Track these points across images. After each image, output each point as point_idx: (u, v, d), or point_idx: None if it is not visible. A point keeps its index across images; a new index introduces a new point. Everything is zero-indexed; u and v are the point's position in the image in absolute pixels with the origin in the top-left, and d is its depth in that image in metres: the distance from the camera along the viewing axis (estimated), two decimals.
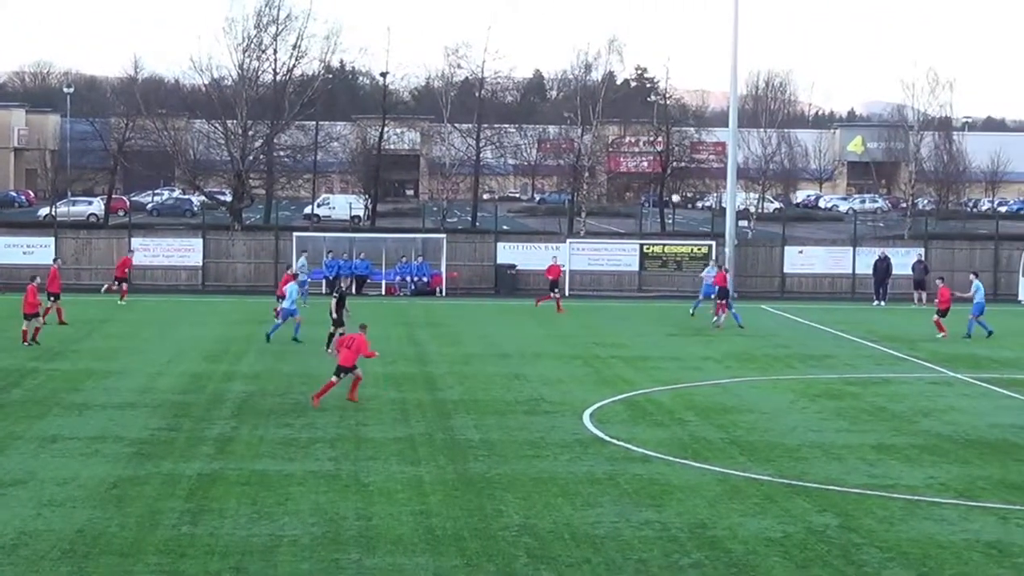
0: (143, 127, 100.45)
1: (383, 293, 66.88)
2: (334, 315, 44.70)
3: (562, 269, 63.98)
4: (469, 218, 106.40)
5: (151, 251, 70.58)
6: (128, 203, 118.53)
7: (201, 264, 70.26)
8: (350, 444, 30.58)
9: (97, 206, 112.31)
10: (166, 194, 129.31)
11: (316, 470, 27.88)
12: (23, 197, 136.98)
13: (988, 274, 72.13)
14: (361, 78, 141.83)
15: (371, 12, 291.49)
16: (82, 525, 23.39)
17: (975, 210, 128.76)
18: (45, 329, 47.30)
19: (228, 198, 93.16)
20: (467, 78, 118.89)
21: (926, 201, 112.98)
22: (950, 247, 74.97)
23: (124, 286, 60.51)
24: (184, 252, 70.83)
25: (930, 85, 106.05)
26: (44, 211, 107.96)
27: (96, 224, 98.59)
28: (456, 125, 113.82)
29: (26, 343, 45.66)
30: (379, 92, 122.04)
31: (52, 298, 52.05)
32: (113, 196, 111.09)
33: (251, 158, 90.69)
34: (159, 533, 22.98)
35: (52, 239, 69.32)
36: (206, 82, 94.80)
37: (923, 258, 70.58)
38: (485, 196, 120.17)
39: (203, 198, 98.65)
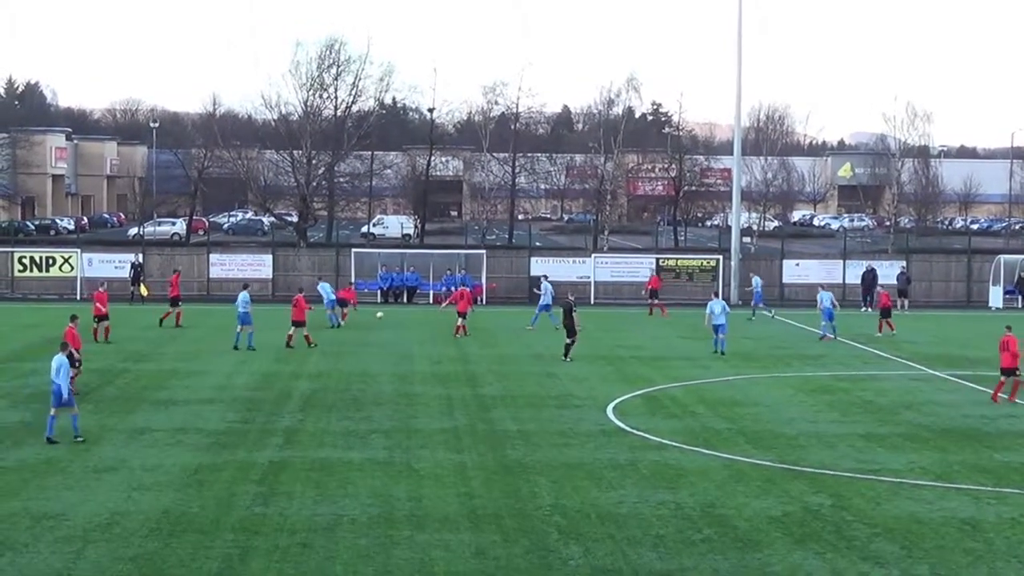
0: (220, 157, 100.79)
1: (431, 302, 66.86)
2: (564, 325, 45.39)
3: (660, 280, 65.53)
4: (506, 236, 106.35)
5: (227, 265, 70.83)
6: (207, 223, 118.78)
7: (271, 276, 70.41)
8: (402, 435, 30.61)
9: (180, 226, 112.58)
10: (240, 215, 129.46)
11: (372, 457, 27.91)
12: (115, 219, 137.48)
13: (962, 283, 71.96)
14: (411, 113, 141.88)
15: (420, 54, 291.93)
16: (167, 506, 23.49)
17: (950, 227, 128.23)
18: (165, 332, 47.49)
19: (294, 219, 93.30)
20: (503, 113, 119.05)
21: (907, 220, 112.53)
22: (928, 260, 74.78)
23: (179, 309, 54.10)
24: (256, 266, 70.97)
25: (909, 117, 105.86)
26: (133, 231, 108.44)
27: (179, 242, 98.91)
28: (494, 154, 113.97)
29: (96, 341, 46.29)
30: (427, 125, 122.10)
31: (172, 303, 54.05)
32: (193, 217, 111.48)
33: (314, 184, 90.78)
34: (235, 513, 23.06)
35: (140, 256, 69.46)
36: (275, 117, 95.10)
37: (905, 269, 70.35)
38: (520, 216, 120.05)
39: (273, 219, 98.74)
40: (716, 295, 51.18)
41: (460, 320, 51.99)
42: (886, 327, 54.24)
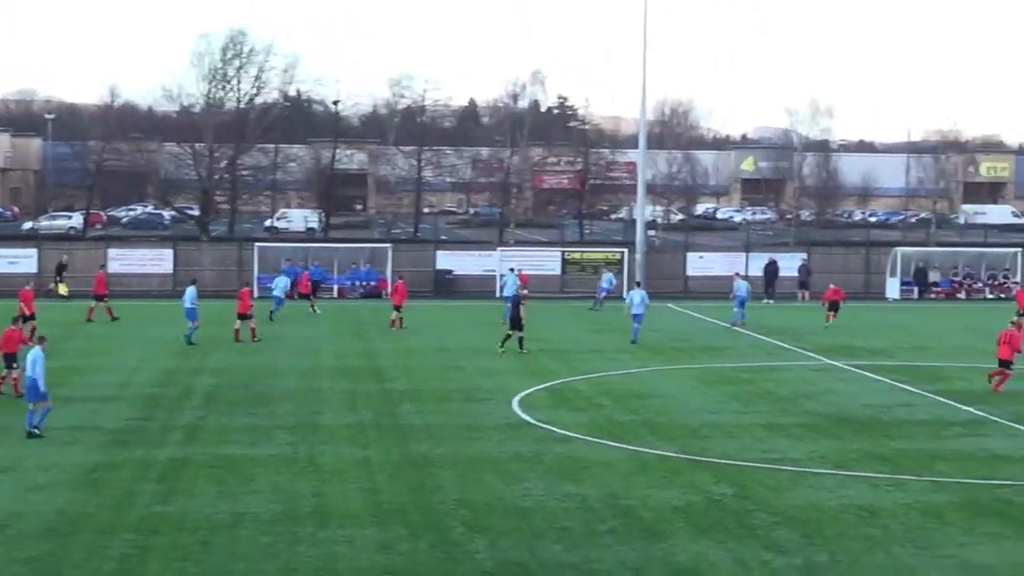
0: (118, 149, 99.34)
1: (335, 296, 66.57)
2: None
3: None
4: (412, 229, 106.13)
5: (126, 260, 69.94)
6: (105, 217, 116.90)
7: (172, 271, 69.65)
8: (306, 430, 30.45)
9: (76, 220, 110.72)
10: (139, 209, 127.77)
11: (276, 454, 27.74)
12: (8, 212, 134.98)
13: (861, 275, 72.83)
14: (315, 106, 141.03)
15: (325, 46, 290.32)
16: (63, 506, 23.16)
17: (849, 220, 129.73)
18: (67, 329, 46.78)
19: (196, 213, 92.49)
20: (409, 106, 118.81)
21: (808, 213, 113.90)
22: (828, 253, 75.71)
23: (106, 304, 53.70)
24: (156, 261, 70.19)
25: (811, 112, 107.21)
26: (28, 225, 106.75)
27: (75, 236, 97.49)
28: (400, 148, 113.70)
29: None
30: (331, 118, 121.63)
31: (97, 299, 53.46)
32: (91, 211, 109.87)
33: (216, 177, 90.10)
34: (133, 512, 22.80)
35: (35, 250, 68.49)
36: (176, 109, 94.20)
37: (806, 262, 71.08)
38: (426, 210, 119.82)
39: (173, 213, 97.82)
40: (638, 285, 51.58)
41: (395, 313, 51.96)
42: (832, 319, 55.31)
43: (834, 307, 55.95)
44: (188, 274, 67.65)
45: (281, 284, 56.31)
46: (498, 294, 57.21)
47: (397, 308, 52.05)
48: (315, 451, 28.03)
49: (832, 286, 56.77)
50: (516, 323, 45.16)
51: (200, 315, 46.98)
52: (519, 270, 59.42)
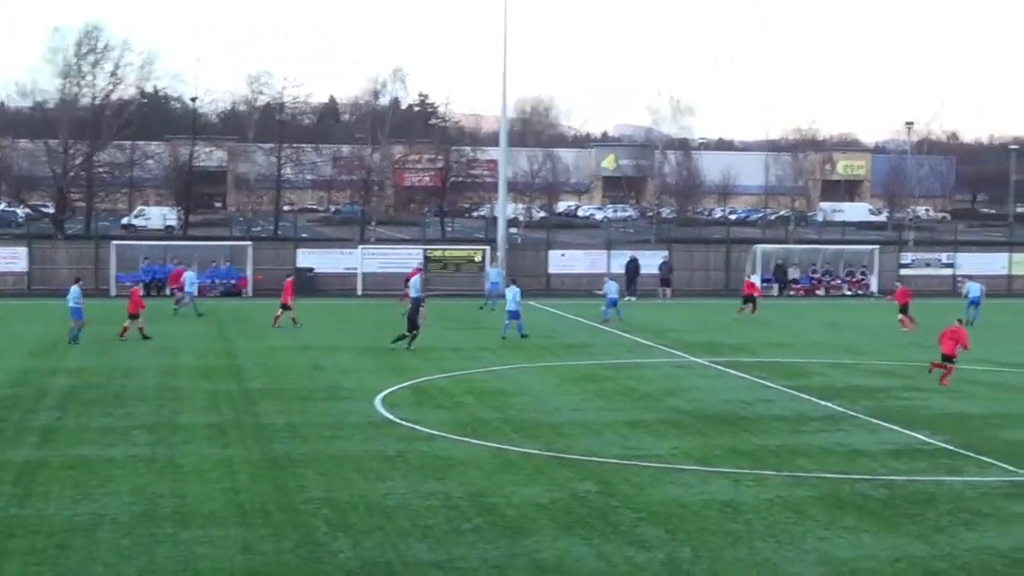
0: None
1: (195, 295, 65.79)
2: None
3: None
4: (272, 227, 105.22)
5: None
6: None
7: (27, 270, 68.38)
8: (166, 430, 30.02)
9: None
10: None
11: (135, 454, 27.30)
12: None
13: (721, 272, 73.79)
14: (173, 102, 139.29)
15: (183, 43, 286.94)
16: None
17: (710, 218, 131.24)
18: None
19: (51, 210, 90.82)
20: (269, 103, 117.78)
21: (669, 210, 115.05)
22: (689, 250, 76.62)
23: None
24: (10, 259, 68.82)
25: (672, 110, 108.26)
26: None
27: None
28: (259, 145, 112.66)
29: None
30: (190, 115, 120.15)
31: None
32: None
33: (72, 174, 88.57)
34: None
35: None
36: (29, 105, 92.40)
37: (667, 259, 71.81)
38: (286, 208, 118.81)
39: (28, 210, 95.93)
40: (513, 282, 51.87)
41: (280, 311, 51.74)
42: (747, 311, 57.63)
43: (749, 300, 58.09)
44: (43, 273, 66.61)
45: (189, 279, 56.39)
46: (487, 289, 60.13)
47: (284, 307, 51.71)
48: (175, 451, 27.65)
49: (747, 280, 60.15)
50: (413, 323, 45.24)
51: (84, 314, 46.21)
52: (415, 267, 59.67)
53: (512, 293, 49.31)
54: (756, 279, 66.55)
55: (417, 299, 47.29)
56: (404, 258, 71.89)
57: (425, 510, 22.91)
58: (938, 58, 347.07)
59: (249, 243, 71.76)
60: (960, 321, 40.98)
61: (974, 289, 57.07)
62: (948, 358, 38.98)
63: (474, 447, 28.56)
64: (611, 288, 55.49)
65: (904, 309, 54.28)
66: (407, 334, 45.35)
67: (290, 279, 54.37)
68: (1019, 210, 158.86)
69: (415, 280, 55.51)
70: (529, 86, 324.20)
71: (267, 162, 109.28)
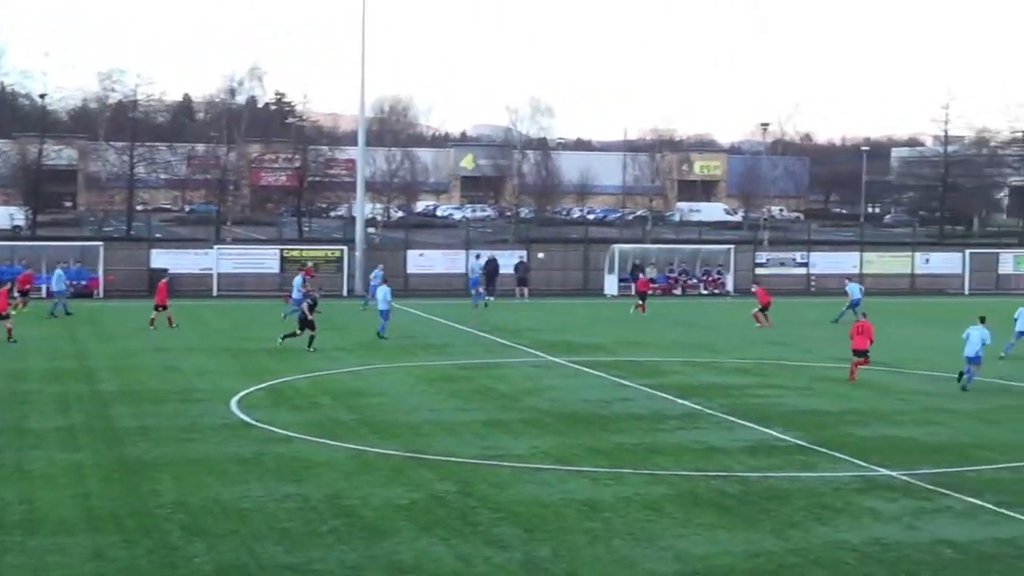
0: None
1: (44, 296, 64.56)
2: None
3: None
4: (125, 227, 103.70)
5: None
6: None
7: None
8: (12, 435, 29.36)
9: None
10: None
11: None
12: None
13: (579, 272, 74.22)
14: (21, 99, 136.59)
15: (31, 39, 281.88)
16: None
17: (568, 218, 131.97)
18: None
19: None
20: (121, 101, 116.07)
21: (527, 210, 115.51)
22: (548, 250, 76.93)
23: None
24: None
25: (531, 111, 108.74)
26: None
27: None
28: (111, 143, 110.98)
29: None
30: (38, 112, 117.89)
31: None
32: None
33: None
34: None
35: None
36: None
37: (525, 259, 72.06)
38: (139, 207, 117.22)
39: None
40: (385, 282, 51.87)
41: (156, 312, 51.14)
42: (638, 310, 59.39)
43: (643, 297, 60.00)
44: None
45: (58, 278, 56.11)
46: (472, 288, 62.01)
47: (159, 307, 51.19)
48: (22, 456, 27.06)
49: (642, 277, 62.67)
50: (306, 323, 45.23)
51: None
52: (308, 265, 59.45)
53: (383, 293, 49.49)
54: (651, 274, 68.60)
55: (299, 299, 47.09)
56: (260, 258, 71.36)
57: (282, 513, 22.70)
58: (792, 60, 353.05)
59: (100, 243, 70.60)
60: (864, 316, 41.78)
61: (855, 291, 57.95)
62: (861, 352, 39.93)
63: (331, 448, 28.38)
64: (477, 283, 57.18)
65: (764, 308, 55.12)
66: (298, 332, 45.31)
67: (164, 280, 53.74)
68: (871, 210, 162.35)
69: (297, 280, 55.28)
70: (387, 85, 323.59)
71: (119, 161, 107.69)
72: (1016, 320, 46.20)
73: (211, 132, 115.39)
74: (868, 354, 40.01)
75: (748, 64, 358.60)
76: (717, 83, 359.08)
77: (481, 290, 63.06)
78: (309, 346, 44.63)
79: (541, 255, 74.23)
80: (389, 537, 21.33)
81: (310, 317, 45.24)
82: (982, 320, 39.61)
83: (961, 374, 38.67)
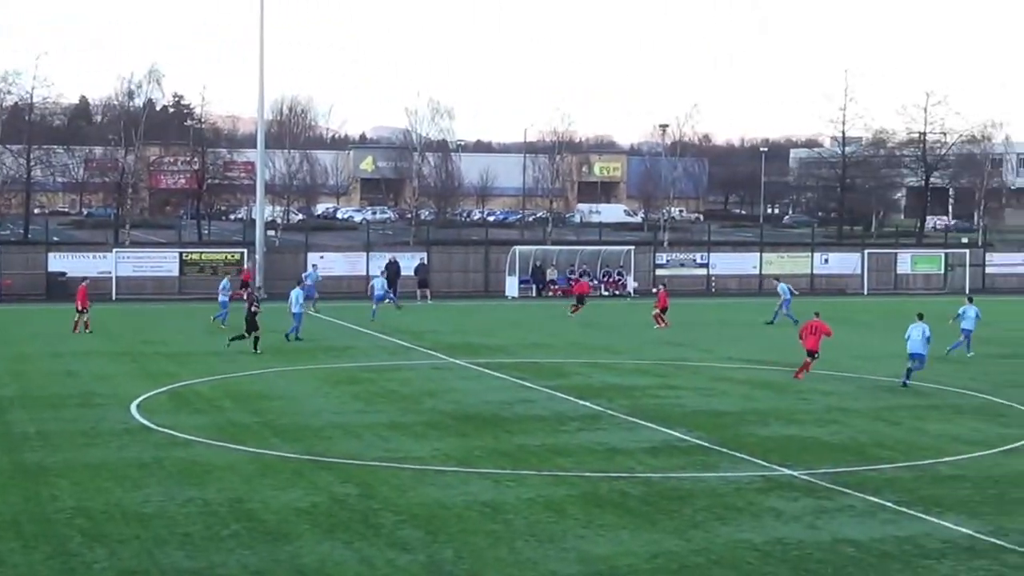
0: None
1: None
2: None
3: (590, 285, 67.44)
4: (21, 231, 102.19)
5: None
6: None
7: None
8: None
9: None
10: None
11: None
12: None
13: (480, 274, 74.31)
14: None
15: None
16: None
17: (468, 219, 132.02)
18: None
19: None
20: (16, 103, 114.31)
21: (428, 212, 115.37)
22: (448, 252, 76.99)
23: None
24: None
25: (430, 112, 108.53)
26: None
27: None
28: (7, 146, 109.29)
29: None
30: None
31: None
32: None
33: None
34: None
35: None
36: None
37: (425, 261, 72.02)
38: (36, 210, 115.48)
39: None
40: (299, 283, 51.85)
41: (78, 316, 50.66)
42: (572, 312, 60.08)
43: (580, 300, 60.53)
44: None
45: None
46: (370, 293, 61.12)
47: (80, 311, 50.78)
48: None
49: (581, 280, 63.96)
50: (252, 325, 45.30)
51: None
52: (245, 269, 59.59)
53: (295, 295, 49.40)
54: (552, 276, 69.49)
55: (225, 303, 47.16)
56: (159, 262, 70.78)
57: (183, 517, 22.53)
58: (691, 61, 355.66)
59: None
60: (817, 314, 42.19)
61: (785, 290, 58.41)
62: (811, 353, 40.57)
63: (233, 452, 28.21)
64: (377, 286, 57.44)
65: (664, 310, 55.53)
66: (245, 335, 45.32)
67: (84, 284, 53.12)
68: (770, 211, 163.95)
69: (224, 283, 54.97)
70: (286, 87, 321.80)
71: (16, 164, 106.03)
72: (961, 318, 46.96)
73: (109, 135, 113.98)
74: (818, 355, 40.67)
75: (647, 65, 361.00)
76: (616, 84, 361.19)
77: (390, 295, 63.03)
78: (255, 348, 44.81)
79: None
80: (291, 541, 21.25)
81: (255, 315, 45.53)
82: (920, 317, 40.55)
83: (909, 371, 39.56)
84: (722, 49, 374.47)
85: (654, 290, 59.37)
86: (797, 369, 40.77)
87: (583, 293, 62.00)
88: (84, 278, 55.80)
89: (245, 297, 48.76)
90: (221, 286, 54.96)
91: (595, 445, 29.61)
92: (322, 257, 73.34)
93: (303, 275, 61.47)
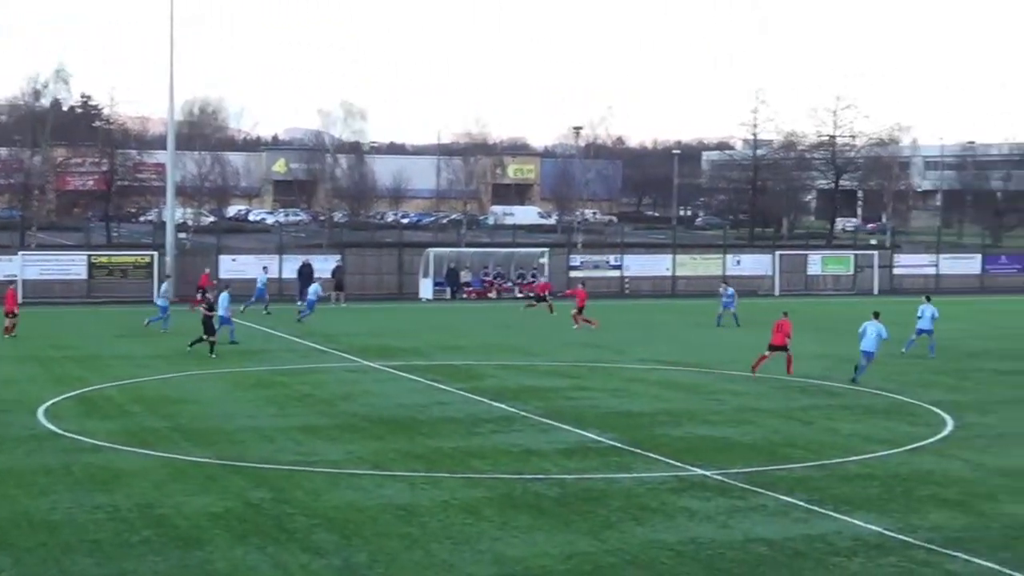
0: None
1: None
2: None
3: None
4: None
5: None
6: None
7: None
8: None
9: None
10: None
11: None
12: None
13: (394, 276, 74.14)
14: None
15: None
16: None
17: (382, 222, 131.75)
18: None
19: None
20: None
21: (341, 214, 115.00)
22: (362, 254, 76.69)
23: None
24: None
25: (344, 114, 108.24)
26: None
27: None
28: None
29: None
30: None
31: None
32: None
33: None
34: None
35: None
36: None
37: (341, 263, 71.74)
38: None
39: None
40: (227, 287, 51.53)
41: (8, 319, 50.34)
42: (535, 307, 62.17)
43: (540, 299, 61.92)
44: None
45: None
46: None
47: (10, 314, 50.54)
48: None
49: (542, 280, 66.67)
50: (210, 329, 45.36)
51: None
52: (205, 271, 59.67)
53: (222, 299, 48.75)
54: (466, 278, 70.16)
55: (164, 307, 47.03)
56: (67, 265, 69.95)
57: (92, 524, 22.26)
58: (605, 63, 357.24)
59: None
60: (786, 314, 43.24)
61: (731, 295, 58.69)
62: (779, 348, 41.64)
63: (143, 457, 27.92)
64: (312, 291, 58.01)
65: (581, 310, 55.71)
66: (204, 338, 45.28)
67: (12, 287, 52.42)
68: (682, 213, 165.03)
69: (165, 286, 54.50)
70: (197, 87, 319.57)
71: None
72: (919, 318, 47.75)
73: (14, 136, 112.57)
74: (788, 350, 41.71)
75: (561, 67, 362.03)
76: (530, 86, 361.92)
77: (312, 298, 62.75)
78: (211, 351, 44.90)
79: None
80: (203, 546, 21.06)
81: (210, 317, 45.79)
82: (876, 315, 41.43)
83: (859, 367, 40.66)
84: (636, 52, 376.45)
85: (566, 291, 59.56)
86: (754, 363, 42.03)
87: (543, 292, 63.62)
88: (11, 282, 55.17)
89: (202, 300, 48.23)
90: (162, 290, 54.36)
91: (510, 447, 29.62)
92: (234, 260, 72.77)
93: (259, 280, 61.39)
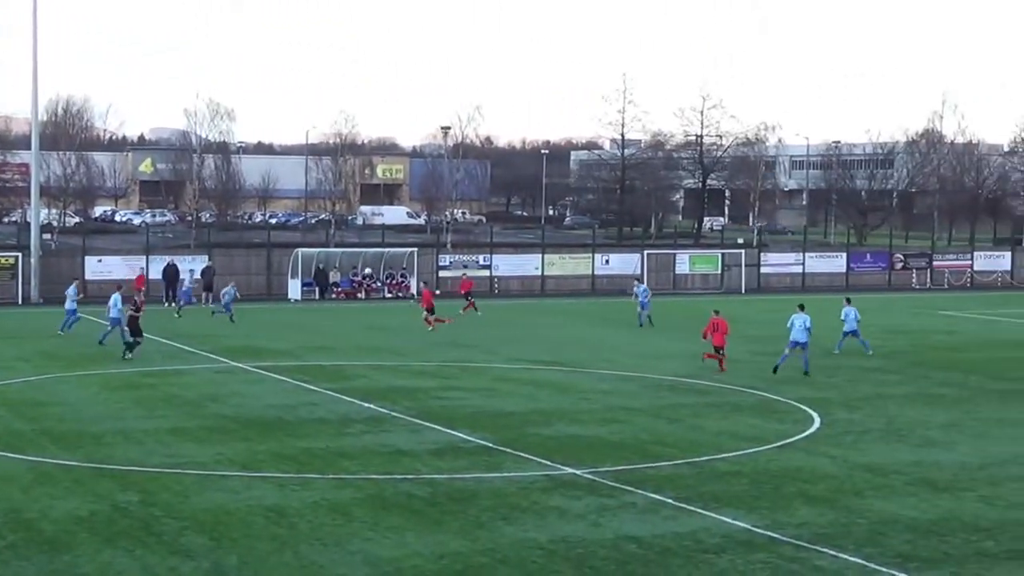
0: None
1: None
2: None
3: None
4: None
5: None
6: None
7: None
8: None
9: None
10: None
11: None
12: None
13: (263, 276, 73.65)
14: None
15: None
16: None
17: (250, 222, 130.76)
18: None
19: None
20: None
21: (208, 215, 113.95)
22: (230, 254, 76.06)
23: None
24: None
25: (211, 114, 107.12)
26: None
27: None
28: None
29: None
30: None
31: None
32: None
33: None
34: None
35: None
36: None
37: (211, 264, 71.09)
38: None
39: None
40: (119, 288, 51.02)
41: None
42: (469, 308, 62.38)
43: (467, 296, 63.44)
44: None
45: None
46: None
47: None
48: None
49: (465, 276, 68.66)
50: (137, 331, 44.93)
51: None
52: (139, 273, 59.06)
53: (112, 299, 48.10)
54: (335, 278, 72.11)
55: (117, 319, 47.06)
56: None
57: None
58: (473, 63, 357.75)
59: None
60: (717, 312, 44.21)
61: (643, 293, 58.79)
62: (718, 348, 42.66)
63: (8, 461, 27.48)
64: (229, 293, 58.49)
65: (430, 310, 55.15)
66: (139, 340, 44.97)
67: None
68: (551, 212, 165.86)
69: (71, 289, 53.29)
70: (62, 86, 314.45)
71: None
72: (844, 320, 48.57)
73: None
74: (723, 350, 42.74)
75: (430, 67, 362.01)
76: (399, 86, 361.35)
77: (194, 299, 62.24)
78: (130, 351, 44.50)
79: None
80: (70, 550, 20.81)
81: (137, 321, 45.16)
82: (801, 307, 43.42)
83: (784, 357, 42.35)
84: (504, 51, 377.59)
85: (416, 292, 59.79)
86: (718, 366, 42.70)
87: (465, 290, 65.10)
88: None
89: (136, 301, 47.25)
90: (68, 291, 53.26)
91: (380, 447, 29.61)
92: (100, 261, 71.72)
93: (222, 291, 60.01)
